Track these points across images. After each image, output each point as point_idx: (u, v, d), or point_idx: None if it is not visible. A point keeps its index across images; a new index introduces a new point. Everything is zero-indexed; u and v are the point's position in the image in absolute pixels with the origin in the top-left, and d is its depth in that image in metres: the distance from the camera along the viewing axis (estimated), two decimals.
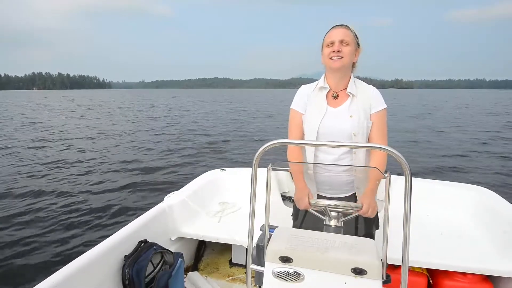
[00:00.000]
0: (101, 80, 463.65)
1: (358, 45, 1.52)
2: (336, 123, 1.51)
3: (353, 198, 1.60)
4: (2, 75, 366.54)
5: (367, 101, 1.52)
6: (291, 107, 1.65)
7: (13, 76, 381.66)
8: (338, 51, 1.46)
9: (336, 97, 1.56)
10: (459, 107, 31.89)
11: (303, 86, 1.68)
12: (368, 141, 1.54)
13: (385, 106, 1.54)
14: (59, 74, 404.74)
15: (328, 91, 1.58)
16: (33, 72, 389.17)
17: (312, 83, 1.67)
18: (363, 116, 1.50)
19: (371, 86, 1.57)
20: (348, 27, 1.49)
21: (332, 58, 1.48)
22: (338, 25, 1.50)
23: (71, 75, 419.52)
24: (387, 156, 1.46)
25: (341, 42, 1.46)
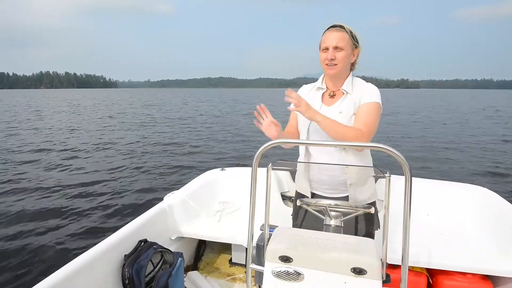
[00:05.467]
0: (107, 79, 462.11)
1: (357, 44, 1.50)
2: None
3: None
4: (11, 74, 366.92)
5: (359, 95, 1.51)
6: (289, 108, 1.66)
7: (21, 75, 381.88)
8: (332, 59, 1.46)
9: (332, 96, 1.58)
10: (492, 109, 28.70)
11: (303, 86, 1.70)
12: None
13: (378, 101, 1.49)
14: (66, 73, 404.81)
15: (325, 91, 1.60)
16: (41, 71, 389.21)
17: (312, 83, 1.68)
18: (353, 111, 1.49)
19: (369, 83, 1.56)
20: (343, 28, 1.46)
21: (327, 65, 1.49)
22: (333, 27, 1.48)
23: (78, 74, 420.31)
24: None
25: (335, 48, 1.45)
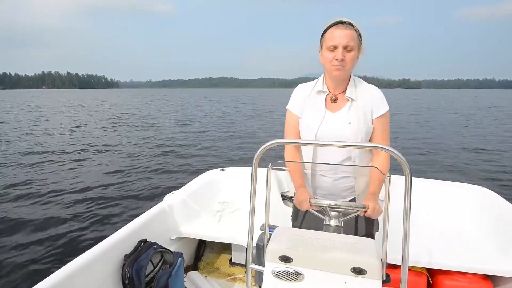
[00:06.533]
0: (109, 79, 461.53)
1: (361, 44, 1.40)
2: (333, 130, 1.44)
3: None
4: (13, 74, 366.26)
5: (368, 104, 1.44)
6: (287, 107, 1.59)
7: (23, 76, 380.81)
8: (342, 59, 1.34)
9: (334, 101, 1.49)
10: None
11: (300, 86, 1.59)
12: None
13: (388, 108, 1.46)
14: (68, 73, 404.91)
15: (327, 94, 1.50)
16: (43, 72, 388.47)
17: (309, 82, 1.58)
18: (363, 122, 1.43)
19: (372, 86, 1.49)
20: (352, 25, 1.35)
21: (335, 66, 1.36)
22: (341, 23, 1.35)
23: (80, 74, 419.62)
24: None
25: (345, 47, 1.33)
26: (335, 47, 1.35)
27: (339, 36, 1.33)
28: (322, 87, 1.50)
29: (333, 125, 1.45)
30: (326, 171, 1.52)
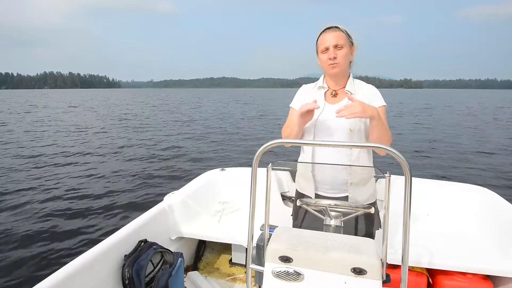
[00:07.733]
0: (110, 79, 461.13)
1: (352, 43, 1.53)
2: (332, 119, 1.52)
3: None
4: (15, 74, 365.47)
5: (366, 98, 1.52)
6: (290, 105, 1.69)
7: (25, 76, 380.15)
8: (334, 57, 1.49)
9: (334, 95, 1.59)
10: None
11: (303, 86, 1.71)
12: (368, 137, 1.54)
13: (385, 103, 1.55)
14: (70, 73, 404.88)
15: (327, 90, 1.61)
16: (45, 72, 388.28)
17: (312, 82, 1.69)
18: None
19: (370, 85, 1.59)
20: (338, 28, 1.51)
21: (330, 65, 1.51)
22: (329, 28, 1.52)
23: (81, 74, 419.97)
24: (387, 156, 1.45)
25: (335, 46, 1.49)
26: (326, 48, 1.51)
27: (328, 38, 1.51)
28: (323, 83, 1.62)
29: (332, 115, 1.51)
30: (326, 165, 1.56)
